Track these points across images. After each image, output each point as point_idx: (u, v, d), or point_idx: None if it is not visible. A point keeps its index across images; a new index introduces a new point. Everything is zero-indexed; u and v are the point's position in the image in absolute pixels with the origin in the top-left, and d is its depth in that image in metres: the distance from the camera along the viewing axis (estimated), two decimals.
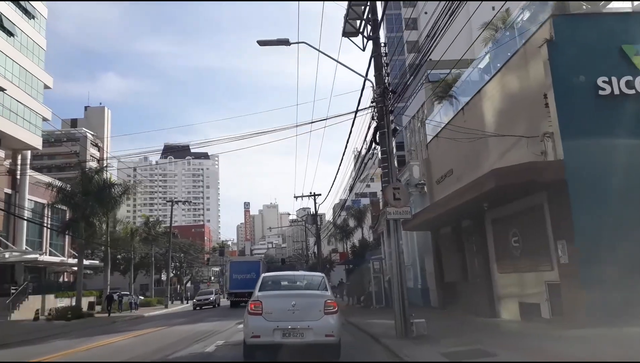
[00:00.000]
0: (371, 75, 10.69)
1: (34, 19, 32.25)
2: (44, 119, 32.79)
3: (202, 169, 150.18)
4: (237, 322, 14.98)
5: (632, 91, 9.21)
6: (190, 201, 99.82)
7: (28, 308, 24.86)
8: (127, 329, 16.77)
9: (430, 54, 9.75)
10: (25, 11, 31.31)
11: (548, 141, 9.57)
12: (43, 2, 33.84)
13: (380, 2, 10.90)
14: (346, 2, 10.79)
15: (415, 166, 20.78)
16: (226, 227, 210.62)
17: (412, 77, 11.46)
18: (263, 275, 8.84)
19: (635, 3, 11.34)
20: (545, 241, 9.97)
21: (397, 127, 12.06)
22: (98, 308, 29.98)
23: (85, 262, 30.83)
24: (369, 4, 10.51)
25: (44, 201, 29.98)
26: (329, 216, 66.36)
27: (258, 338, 7.03)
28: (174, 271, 53.60)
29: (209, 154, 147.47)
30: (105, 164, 39.60)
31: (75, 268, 28.83)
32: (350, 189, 27.49)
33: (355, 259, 36.47)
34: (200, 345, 10.32)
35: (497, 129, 11.78)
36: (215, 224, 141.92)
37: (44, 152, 56.64)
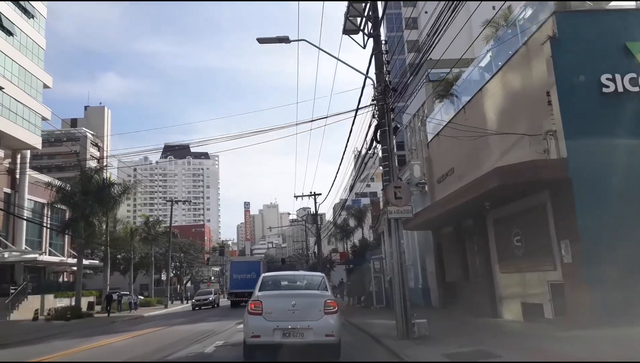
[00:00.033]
0: (372, 73, 10.61)
1: (33, 18, 32.16)
2: (44, 119, 32.70)
3: (202, 169, 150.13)
4: (237, 322, 14.89)
5: (636, 89, 9.11)
6: (190, 201, 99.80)
7: (27, 308, 24.78)
8: (126, 329, 16.68)
9: (431, 52, 9.66)
10: (25, 10, 31.23)
11: (551, 139, 9.46)
12: (42, 1, 33.74)
13: (381, 0, 10.75)
14: (346, 1, 10.69)
15: (416, 165, 20.66)
16: (226, 227, 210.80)
17: (412, 76, 11.37)
18: (263, 274, 8.81)
19: None
20: (548, 240, 9.86)
21: (398, 126, 11.94)
22: (98, 308, 29.90)
23: (85, 262, 30.75)
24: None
25: (44, 201, 29.89)
26: (329, 216, 66.30)
27: (258, 338, 7.01)
28: (173, 271, 53.51)
29: (209, 154, 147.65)
30: (105, 164, 39.57)
31: (75, 268, 28.71)
32: (351, 189, 27.39)
33: (355, 259, 36.37)
34: (199, 346, 10.23)
35: (498, 127, 11.67)
36: (216, 224, 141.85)
37: (44, 152, 56.56)
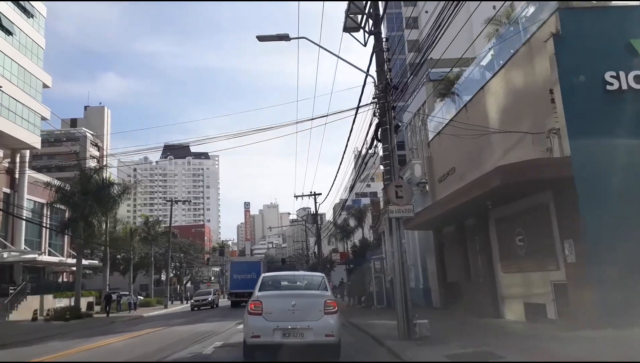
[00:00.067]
0: (372, 71, 10.51)
1: (32, 18, 32.07)
2: (43, 119, 32.60)
3: (202, 169, 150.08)
4: (237, 322, 14.80)
5: None
6: (190, 201, 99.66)
7: (26, 309, 24.67)
8: (125, 330, 16.57)
9: (431, 51, 9.56)
10: (24, 10, 31.14)
11: (554, 138, 9.36)
12: (42, 1, 33.66)
13: None
14: (347, 0, 10.59)
15: (416, 164, 20.57)
16: (226, 227, 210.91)
17: (413, 75, 11.27)
18: (263, 275, 8.80)
19: None
20: (551, 240, 9.76)
21: (399, 124, 11.84)
22: (97, 308, 29.79)
23: (84, 262, 30.64)
24: None
25: (43, 201, 29.80)
26: (329, 216, 66.22)
27: (258, 338, 7.00)
28: (173, 272, 53.42)
29: (209, 154, 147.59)
30: (105, 163, 39.47)
31: (75, 268, 28.61)
32: (351, 189, 27.29)
33: (355, 259, 36.30)
34: (198, 347, 10.12)
35: (501, 126, 11.57)
36: (216, 224, 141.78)
37: (44, 152, 56.48)
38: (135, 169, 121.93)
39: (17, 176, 30.30)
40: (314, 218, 40.72)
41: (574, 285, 8.91)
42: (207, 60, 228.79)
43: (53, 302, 27.58)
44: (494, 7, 13.48)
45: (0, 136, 28.54)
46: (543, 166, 9.10)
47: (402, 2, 44.75)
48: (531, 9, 11.41)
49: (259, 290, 7.57)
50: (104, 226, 28.98)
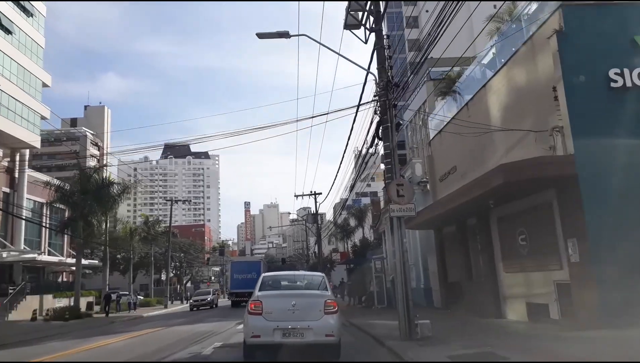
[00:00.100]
0: (373, 68, 10.40)
1: (32, 17, 31.98)
2: (43, 118, 32.51)
3: (203, 168, 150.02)
4: (237, 322, 14.72)
5: None
6: (191, 201, 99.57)
7: (26, 309, 24.58)
8: (124, 330, 16.47)
9: (432, 49, 9.44)
10: (24, 9, 31.05)
11: (557, 136, 9.25)
12: (42, 0, 33.56)
13: None
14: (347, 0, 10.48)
15: (417, 163, 20.48)
16: (227, 227, 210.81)
17: (413, 74, 11.16)
18: (263, 274, 8.78)
19: None
20: (554, 239, 9.65)
21: (401, 122, 11.73)
22: (97, 308, 29.69)
23: (84, 262, 30.55)
24: None
25: (43, 200, 29.71)
26: (329, 216, 66.14)
27: (258, 338, 6.98)
28: (173, 271, 53.33)
29: (209, 153, 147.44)
30: (105, 162, 39.38)
31: (74, 268, 28.51)
32: (351, 189, 27.19)
33: (356, 258, 36.20)
34: (197, 347, 10.02)
35: (503, 124, 11.46)
36: (216, 224, 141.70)
37: (44, 151, 56.40)
38: (135, 169, 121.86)
39: (16, 175, 30.22)
40: (314, 217, 40.62)
41: (578, 285, 8.80)
42: (207, 60, 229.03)
43: (52, 302, 27.49)
44: (495, 7, 13.39)
45: (0, 135, 28.47)
46: (546, 164, 8.99)
47: (402, 2, 44.67)
48: (534, 6, 11.29)
49: (259, 290, 7.58)
50: (103, 226, 28.87)
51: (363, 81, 10.93)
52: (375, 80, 10.24)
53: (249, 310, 7.14)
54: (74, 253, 31.17)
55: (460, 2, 8.11)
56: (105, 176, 28.74)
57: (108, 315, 25.86)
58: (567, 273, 9.23)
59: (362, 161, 16.24)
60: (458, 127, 12.95)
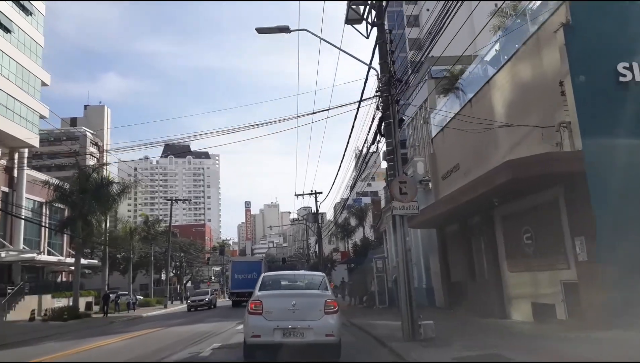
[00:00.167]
0: (375, 64, 10.17)
1: (31, 15, 31.81)
2: (42, 117, 32.32)
3: (203, 168, 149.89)
4: (238, 322, 14.54)
5: None
6: (191, 200, 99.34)
7: (24, 309, 24.41)
8: (122, 330, 16.29)
9: (433, 47, 9.22)
10: (23, 8, 30.87)
11: (564, 131, 9.02)
12: (42, 0, 33.37)
13: None
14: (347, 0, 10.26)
15: (419, 162, 20.26)
16: (227, 227, 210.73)
17: (414, 72, 10.94)
18: (263, 274, 8.74)
19: None
20: (561, 237, 9.43)
21: (404, 118, 11.51)
22: (96, 308, 29.50)
23: (84, 262, 30.36)
24: None
25: (42, 200, 29.53)
26: (329, 216, 65.94)
27: (258, 338, 6.97)
28: (173, 271, 53.16)
29: (209, 153, 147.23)
30: (105, 161, 39.19)
31: (74, 268, 28.33)
32: (352, 188, 26.99)
33: (357, 258, 36.02)
34: (196, 348, 9.83)
35: (507, 120, 11.23)
36: (216, 223, 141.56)
37: (44, 151, 56.32)
38: (135, 169, 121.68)
39: (15, 174, 30.04)
40: (315, 216, 40.42)
41: (586, 285, 8.58)
42: (207, 60, 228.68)
43: (51, 302, 27.31)
44: (495, 5, 13.19)
45: None
46: (553, 160, 8.76)
47: (403, 1, 44.47)
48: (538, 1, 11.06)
49: (259, 290, 7.58)
50: (103, 225, 28.67)
51: (364, 77, 10.71)
52: (377, 75, 10.03)
53: (249, 310, 7.11)
54: (74, 253, 31.00)
55: (462, 1, 7.91)
56: (105, 175, 28.55)
57: (107, 315, 25.66)
58: (575, 272, 9.00)
59: (363, 160, 16.04)
60: (462, 124, 12.72)
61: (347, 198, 31.67)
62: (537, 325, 10.16)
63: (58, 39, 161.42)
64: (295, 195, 53.85)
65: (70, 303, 26.22)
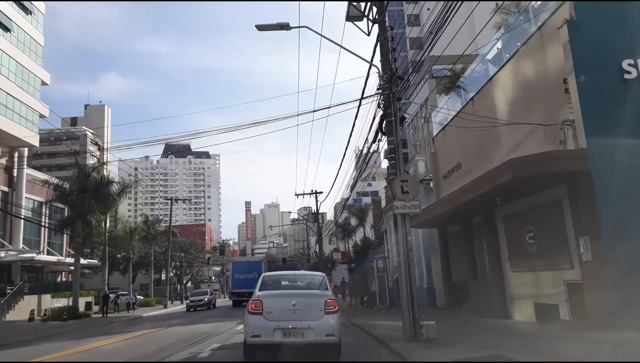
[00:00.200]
0: (376, 61, 10.07)
1: (31, 14, 31.73)
2: (41, 116, 32.23)
3: (203, 168, 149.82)
4: (237, 322, 14.46)
5: None
6: (191, 200, 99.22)
7: (24, 309, 24.33)
8: (121, 330, 16.19)
9: (433, 46, 9.12)
10: (23, 7, 30.80)
11: (568, 129, 8.90)
12: (41, 0, 33.29)
13: None
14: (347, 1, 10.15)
15: (420, 161, 20.15)
16: (227, 227, 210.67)
17: (415, 71, 10.84)
18: (263, 274, 8.73)
19: None
20: (565, 237, 9.32)
21: (405, 116, 11.41)
22: (96, 308, 29.41)
23: (83, 261, 30.28)
24: None
25: (42, 199, 29.44)
26: (330, 215, 65.78)
27: (258, 338, 6.96)
28: (173, 271, 53.07)
29: (209, 153, 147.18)
30: (106, 160, 39.11)
31: (73, 268, 28.24)
32: (352, 188, 26.89)
33: (357, 258, 35.93)
34: (195, 349, 9.72)
35: (510, 119, 11.11)
36: (217, 223, 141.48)
37: (44, 151, 56.26)
38: (136, 169, 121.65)
39: (15, 174, 29.96)
40: (315, 216, 40.32)
41: (590, 285, 8.46)
42: (207, 60, 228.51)
43: (51, 302, 27.24)
44: (496, 5, 13.10)
45: None
46: (557, 158, 8.65)
47: (403, 1, 44.37)
48: None
49: (260, 290, 7.56)
50: (103, 225, 28.60)
51: (365, 75, 10.61)
52: (379, 72, 9.93)
53: (249, 310, 7.09)
54: (73, 253, 30.91)
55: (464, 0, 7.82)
56: (105, 175, 28.46)
57: (106, 315, 25.58)
58: (579, 272, 8.89)
59: (364, 159, 15.93)
60: (463, 122, 12.61)
61: (348, 198, 31.58)
62: (540, 326, 10.06)
63: (58, 39, 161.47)
64: (296, 195, 53.81)
65: (70, 303, 26.14)
